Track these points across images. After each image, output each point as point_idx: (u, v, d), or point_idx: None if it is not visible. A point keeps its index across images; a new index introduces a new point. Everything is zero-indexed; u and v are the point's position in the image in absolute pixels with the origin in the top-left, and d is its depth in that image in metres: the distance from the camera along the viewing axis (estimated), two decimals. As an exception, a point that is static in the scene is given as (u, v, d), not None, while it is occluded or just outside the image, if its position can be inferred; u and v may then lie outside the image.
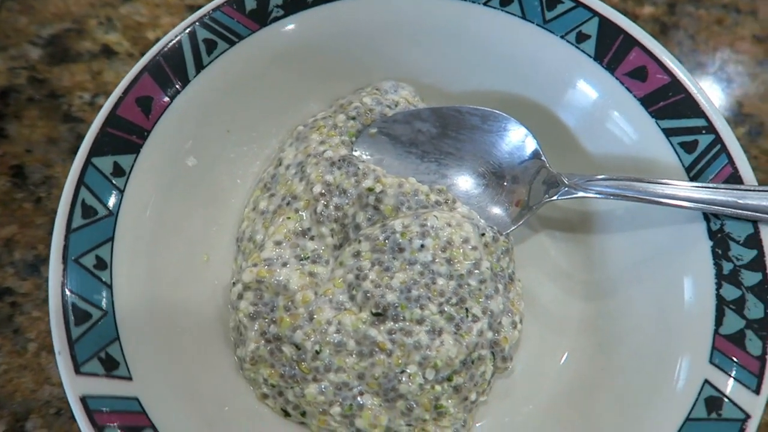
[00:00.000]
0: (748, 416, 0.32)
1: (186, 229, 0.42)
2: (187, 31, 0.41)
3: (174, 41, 0.41)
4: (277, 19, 0.44)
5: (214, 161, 0.44)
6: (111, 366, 0.34)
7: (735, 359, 0.34)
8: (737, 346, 0.34)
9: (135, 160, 0.39)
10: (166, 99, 0.40)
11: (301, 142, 0.46)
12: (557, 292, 0.45)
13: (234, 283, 0.41)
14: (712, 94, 0.55)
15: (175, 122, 0.41)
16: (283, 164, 0.46)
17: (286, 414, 0.40)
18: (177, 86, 0.41)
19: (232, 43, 0.42)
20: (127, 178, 0.38)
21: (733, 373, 0.33)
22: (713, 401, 0.33)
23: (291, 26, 0.44)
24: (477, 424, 0.41)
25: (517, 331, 0.41)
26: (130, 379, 0.34)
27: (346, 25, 0.45)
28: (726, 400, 0.33)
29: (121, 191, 0.38)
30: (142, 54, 0.43)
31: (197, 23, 0.42)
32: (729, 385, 0.33)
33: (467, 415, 0.40)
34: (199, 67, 0.42)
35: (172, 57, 0.41)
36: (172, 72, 0.41)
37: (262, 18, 0.43)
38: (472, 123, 0.45)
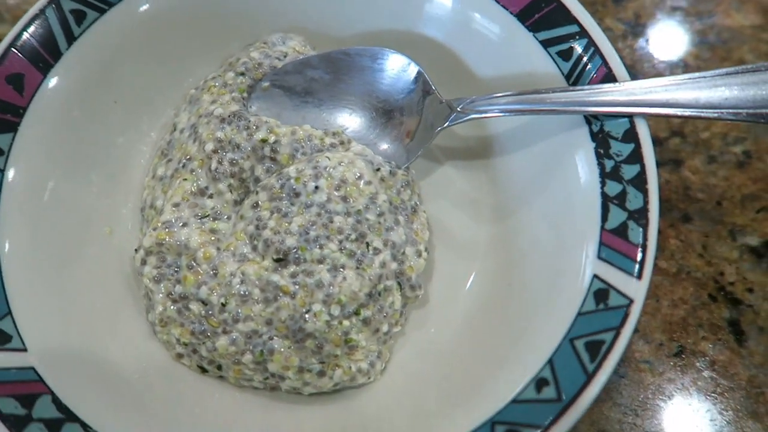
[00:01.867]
0: (631, 301, 0.33)
1: (83, 204, 0.42)
2: (51, 3, 0.41)
3: (39, 15, 0.40)
4: (148, -19, 0.43)
5: (106, 134, 0.44)
6: (3, 340, 0.34)
7: (620, 251, 0.34)
8: (621, 238, 0.35)
9: (13, 139, 0.39)
10: (39, 74, 0.40)
11: (194, 105, 0.46)
12: (465, 218, 0.45)
13: (136, 250, 0.41)
14: (607, 8, 0.56)
15: (53, 97, 0.40)
16: (177, 129, 0.45)
17: (203, 370, 0.40)
18: (49, 60, 0.40)
19: (102, 12, 0.42)
20: (6, 157, 0.38)
21: (618, 264, 0.34)
22: (601, 293, 0.34)
23: (164, -13, 0.43)
24: (400, 355, 0.42)
25: (422, 260, 0.41)
26: (24, 350, 0.34)
27: (222, -19, 0.45)
28: (611, 290, 0.33)
29: (1, 171, 0.38)
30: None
31: (61, -6, 0.41)
32: (615, 276, 0.34)
33: (382, 346, 0.40)
34: (71, 39, 0.41)
35: (39, 31, 0.40)
36: (41, 46, 0.40)
37: (130, -18, 0.42)
38: (362, 64, 0.45)
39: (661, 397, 0.42)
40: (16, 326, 0.34)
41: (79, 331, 0.38)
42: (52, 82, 0.40)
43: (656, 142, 0.50)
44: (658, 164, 0.46)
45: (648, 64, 0.53)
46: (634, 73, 0.52)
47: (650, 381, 0.42)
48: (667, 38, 0.54)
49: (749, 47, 0.53)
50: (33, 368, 0.33)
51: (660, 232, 0.45)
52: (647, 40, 0.54)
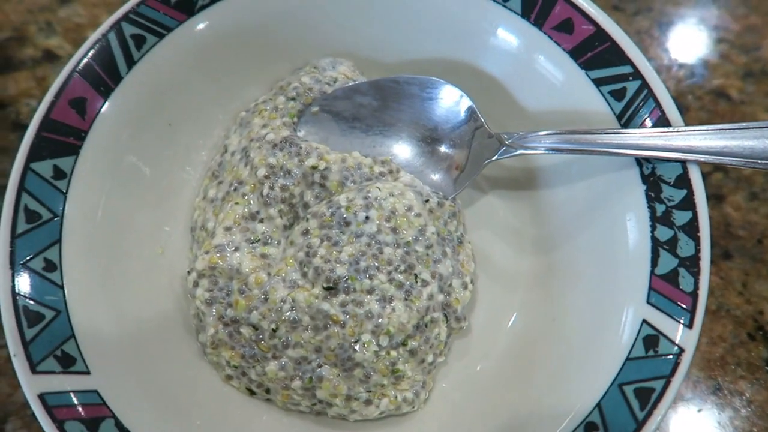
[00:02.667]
0: (682, 350, 0.33)
1: (137, 224, 0.43)
2: (113, 28, 0.41)
3: (101, 40, 0.41)
4: (204, 7, 0.44)
5: (159, 155, 0.45)
6: (67, 363, 0.35)
7: (670, 297, 0.35)
8: (671, 285, 0.35)
9: (75, 162, 0.40)
10: (100, 98, 0.41)
11: (245, 127, 0.47)
12: (508, 249, 0.46)
13: (189, 272, 0.42)
14: (653, 38, 0.56)
15: (112, 120, 0.41)
16: (228, 151, 0.46)
17: (252, 392, 0.41)
18: (110, 84, 0.41)
19: (161, 36, 0.43)
20: (69, 180, 0.39)
21: (669, 311, 0.35)
22: (650, 339, 0.34)
23: (219, 13, 0.44)
24: (442, 384, 0.43)
25: (468, 292, 0.42)
26: (88, 373, 0.35)
27: (276, 6, 0.46)
28: (662, 337, 0.34)
29: (64, 193, 0.39)
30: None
31: (123, 20, 0.42)
32: (664, 323, 0.34)
33: (426, 376, 0.41)
34: (131, 63, 0.42)
35: (101, 56, 0.41)
36: (102, 71, 0.41)
37: (188, 8, 0.43)
38: (410, 92, 0.46)
39: (697, 434, 0.43)
40: (79, 349, 0.36)
41: (133, 351, 0.39)
42: (113, 105, 0.41)
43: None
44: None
45: (692, 96, 0.53)
46: (679, 107, 0.53)
47: (686, 418, 0.43)
48: (712, 70, 0.54)
49: (794, 82, 0.53)
50: (97, 391, 0.35)
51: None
52: (692, 72, 0.54)
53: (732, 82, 0.53)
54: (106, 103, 0.41)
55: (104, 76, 0.41)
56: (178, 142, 0.46)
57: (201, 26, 0.44)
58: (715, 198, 0.49)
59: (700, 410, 0.43)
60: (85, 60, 0.41)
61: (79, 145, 0.40)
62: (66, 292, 0.37)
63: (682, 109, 0.52)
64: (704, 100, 0.53)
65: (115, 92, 0.41)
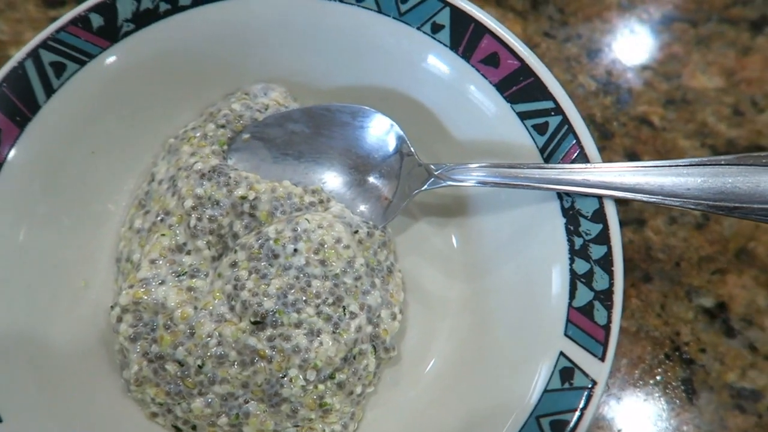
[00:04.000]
0: (594, 383, 0.35)
1: (58, 256, 0.42)
2: (30, 56, 0.40)
3: (17, 68, 0.40)
4: (128, 33, 0.43)
5: (83, 184, 0.44)
6: (-23, 411, 0.34)
7: (585, 330, 0.36)
8: (587, 317, 0.36)
9: (-12, 195, 0.38)
10: (16, 129, 0.39)
11: (173, 155, 0.46)
12: (438, 276, 0.46)
13: (112, 306, 0.41)
14: (581, 64, 0.57)
15: (30, 151, 0.40)
16: (155, 179, 0.45)
17: (178, 430, 0.40)
18: (26, 114, 0.40)
19: (82, 63, 0.41)
20: (-19, 214, 0.38)
21: (584, 344, 0.36)
22: (566, 372, 0.36)
23: (145, 39, 0.43)
24: (371, 414, 0.43)
25: (397, 322, 0.43)
26: (0, 420, 0.34)
27: (203, 32, 0.45)
28: (577, 369, 0.35)
29: (-24, 229, 0.37)
30: None
31: (41, 47, 0.40)
32: (580, 355, 0.36)
33: (355, 407, 0.41)
34: (49, 91, 0.41)
35: (17, 84, 0.40)
36: (18, 99, 0.39)
37: (111, 34, 0.42)
38: (342, 120, 0.46)
39: (617, 454, 0.44)
40: (-10, 395, 0.34)
41: (53, 391, 0.38)
42: (30, 135, 0.40)
43: (622, 201, 0.52)
44: (623, 224, 0.49)
45: (617, 122, 0.55)
46: (605, 132, 0.54)
47: (608, 438, 0.45)
48: (636, 97, 0.56)
49: (712, 109, 0.56)
50: (8, 440, 0.34)
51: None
52: (617, 99, 0.56)
53: (654, 109, 0.56)
54: (23, 133, 0.40)
55: (20, 105, 0.40)
56: (102, 171, 0.45)
57: (125, 53, 0.43)
58: (637, 222, 0.52)
59: (620, 430, 0.45)
60: (0, 89, 0.39)
61: (-7, 177, 0.38)
62: (-24, 333, 0.36)
63: (608, 135, 0.54)
64: (629, 126, 0.55)
65: (32, 122, 0.40)
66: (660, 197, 0.37)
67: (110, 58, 0.42)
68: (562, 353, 0.36)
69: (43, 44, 0.40)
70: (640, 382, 0.46)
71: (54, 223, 0.42)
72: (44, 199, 0.41)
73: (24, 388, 0.36)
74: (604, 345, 0.35)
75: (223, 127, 0.46)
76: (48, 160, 0.41)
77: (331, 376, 0.40)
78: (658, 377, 0.47)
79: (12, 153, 0.39)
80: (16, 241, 0.39)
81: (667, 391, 0.46)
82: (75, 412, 0.38)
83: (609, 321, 0.36)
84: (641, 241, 0.51)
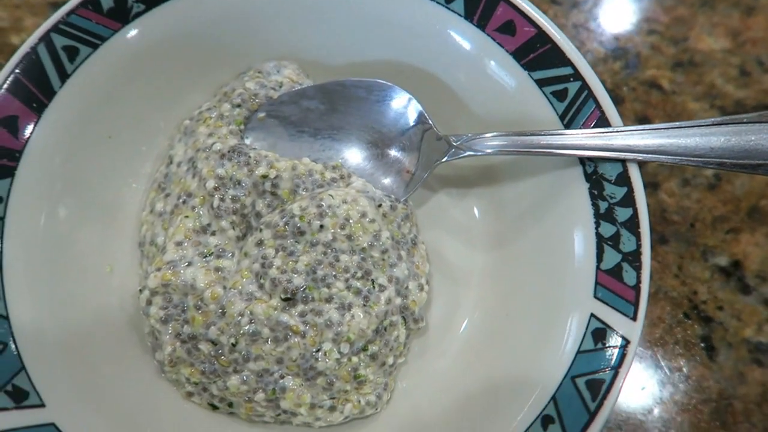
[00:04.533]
0: (627, 341, 0.35)
1: (82, 243, 0.42)
2: (43, 40, 0.39)
3: (30, 53, 0.39)
4: (139, 14, 0.42)
5: (100, 170, 0.43)
6: (20, 397, 0.34)
7: (615, 291, 0.37)
8: (616, 279, 0.37)
9: (11, 184, 0.38)
10: (33, 115, 0.39)
11: (190, 136, 0.45)
12: (461, 247, 0.47)
13: (141, 290, 0.41)
14: (589, 30, 0.57)
15: (48, 138, 0.39)
16: (174, 162, 0.45)
17: (214, 407, 0.41)
18: (43, 101, 0.39)
19: (95, 47, 0.41)
20: (6, 204, 0.37)
21: (614, 305, 0.37)
22: (599, 332, 0.36)
23: (156, 19, 0.42)
24: (403, 384, 0.43)
25: (424, 293, 0.43)
26: (42, 405, 0.34)
27: (215, 11, 0.44)
28: (609, 329, 0.36)
29: (2, 219, 0.37)
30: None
31: (52, 31, 0.40)
32: (611, 316, 0.36)
33: (387, 378, 0.42)
34: (64, 76, 0.40)
35: (31, 70, 0.39)
36: (34, 86, 0.39)
37: (122, 16, 0.41)
38: (357, 95, 0.46)
39: (641, 411, 0.45)
40: (31, 381, 0.34)
41: (88, 377, 0.38)
42: (47, 122, 0.39)
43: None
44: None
45: (627, 87, 0.56)
46: (615, 98, 0.55)
47: (631, 397, 0.46)
48: (644, 61, 0.56)
49: (719, 71, 0.56)
50: (54, 424, 0.34)
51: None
52: (626, 64, 0.56)
53: (663, 72, 0.56)
54: (41, 120, 0.39)
55: (36, 92, 0.39)
56: (119, 155, 0.44)
57: (137, 34, 0.42)
58: (651, 186, 0.52)
59: (643, 388, 0.46)
60: (13, 75, 0.38)
61: (14, 166, 0.38)
62: (11, 322, 0.35)
63: (618, 100, 0.55)
64: (638, 91, 0.55)
65: (48, 108, 0.39)
66: (684, 158, 0.38)
67: (122, 40, 0.42)
68: (593, 315, 0.37)
69: (55, 28, 0.40)
70: (661, 341, 0.47)
71: (75, 214, 0.42)
72: (63, 186, 0.41)
73: (62, 375, 0.36)
74: (635, 305, 0.36)
75: (238, 106, 0.45)
76: (66, 146, 0.40)
77: (364, 348, 0.40)
78: (678, 336, 0.48)
79: (31, 140, 0.39)
80: (37, 230, 0.39)
81: (688, 348, 0.47)
82: (111, 397, 0.38)
83: (639, 281, 0.36)
84: (656, 204, 0.52)
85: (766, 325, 0.48)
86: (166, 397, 0.41)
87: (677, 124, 0.38)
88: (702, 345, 0.48)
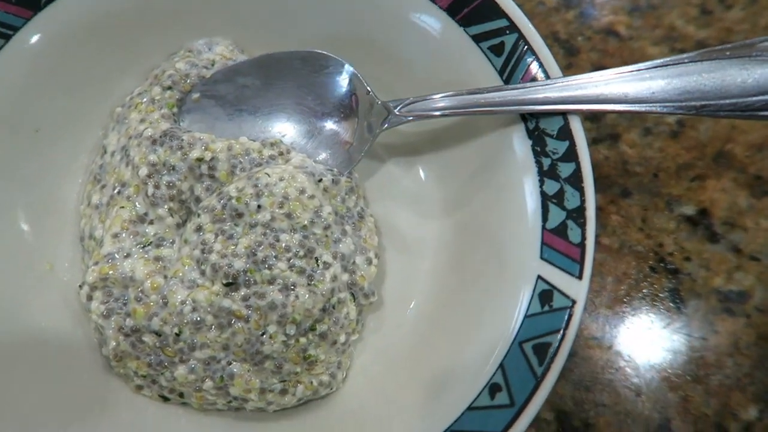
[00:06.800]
0: (574, 302, 0.34)
1: (16, 242, 0.40)
2: (-51, 35, 0.38)
3: (-62, 49, 0.37)
4: (51, 0, 0.40)
5: (31, 164, 0.42)
6: (-49, 405, 0.33)
7: (560, 251, 0.35)
8: (561, 237, 0.36)
9: (-71, 188, 0.36)
10: (-53, 114, 0.37)
11: (122, 124, 0.44)
12: (412, 217, 0.45)
13: (80, 285, 0.40)
14: (541, -19, 0.55)
15: (-33, 136, 0.38)
16: (108, 152, 0.44)
17: (165, 399, 0.40)
18: (-43, 97, 0.38)
19: (7, 38, 0.39)
20: (-75, 208, 0.36)
21: (560, 264, 0.35)
22: (545, 294, 0.35)
23: (71, 5, 0.41)
24: (359, 360, 0.42)
25: (373, 267, 0.42)
26: (-23, 412, 0.33)
27: (135, -10, 0.42)
28: (555, 291, 0.35)
29: None
30: None
31: (-42, 24, 0.38)
32: (557, 277, 0.35)
33: (341, 356, 0.41)
34: (-23, 70, 0.38)
35: (-60, 67, 0.37)
36: (-56, 83, 0.37)
37: (33, 3, 0.39)
38: (293, 66, 0.44)
39: (610, 370, 0.44)
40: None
41: (34, 376, 0.37)
42: (-36, 120, 0.38)
43: (594, 118, 0.50)
44: (597, 141, 0.47)
45: (582, 36, 0.53)
46: (570, 49, 0.52)
47: (599, 356, 0.45)
48: (599, 8, 0.54)
49: (679, 12, 0.54)
50: (-13, 430, 0.33)
51: (601, 208, 0.47)
52: (581, 12, 0.54)
53: (620, 18, 0.54)
54: (-44, 118, 0.38)
55: (-52, 89, 0.37)
56: (52, 149, 0.43)
57: (52, 21, 0.40)
58: (611, 138, 0.50)
59: (610, 347, 0.45)
60: None
61: (-69, 169, 0.37)
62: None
63: (573, 51, 0.52)
64: (594, 40, 0.53)
65: (-36, 105, 0.38)
66: (625, 105, 0.36)
67: (36, 29, 0.40)
68: (539, 277, 0.36)
69: (-38, 21, 0.38)
70: (627, 298, 0.46)
71: (6, 209, 0.40)
72: (-7, 185, 0.39)
73: (6, 381, 0.36)
74: (581, 263, 0.34)
75: (169, 88, 0.44)
76: (-11, 144, 0.39)
77: (312, 328, 0.39)
78: (644, 291, 0.46)
79: (-52, 140, 0.37)
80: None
81: (655, 303, 0.46)
82: (59, 397, 0.38)
83: (583, 238, 0.35)
84: (617, 156, 0.50)
85: (736, 273, 0.47)
86: (117, 392, 0.40)
87: (615, 70, 0.36)
88: (670, 298, 0.46)
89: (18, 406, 0.36)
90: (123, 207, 0.41)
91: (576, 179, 0.36)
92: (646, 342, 0.45)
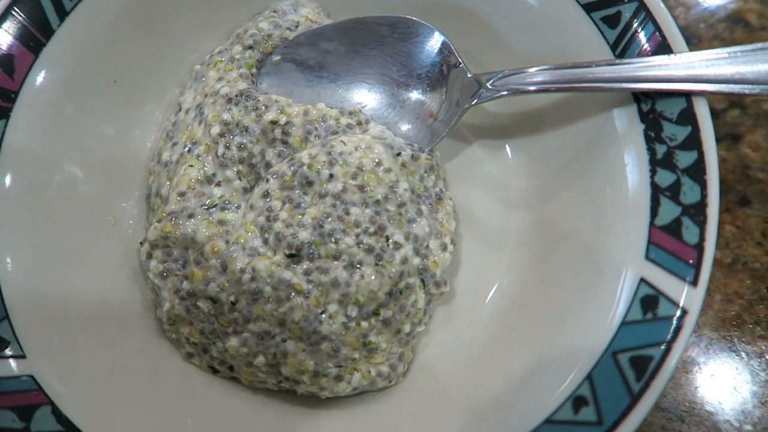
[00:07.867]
0: (685, 312, 0.29)
1: (83, 192, 0.39)
2: (39, -25, 0.37)
3: (26, -12, 0.37)
4: (143, -53, 0.39)
5: (105, 116, 0.41)
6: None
7: (671, 252, 0.30)
8: (674, 237, 0.30)
9: (6, 126, 0.36)
10: (30, 55, 0.37)
11: (199, 82, 0.42)
12: (494, 205, 0.41)
13: (141, 243, 0.38)
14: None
15: (46, 79, 0.37)
16: (182, 109, 0.42)
17: (215, 371, 0.38)
18: (40, 39, 0.37)
19: (96, -18, 0.38)
20: (0, 145, 0.35)
21: (670, 267, 0.30)
22: (649, 300, 0.30)
23: (161, -47, 0.39)
24: (423, 355, 0.39)
25: (448, 254, 0.38)
26: (23, 357, 0.32)
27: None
28: (662, 297, 0.29)
29: (-6, 161, 0.35)
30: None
31: (49, -36, 0.37)
32: (665, 281, 0.30)
33: (404, 348, 0.37)
34: (62, 14, 0.38)
35: (27, 7, 0.37)
36: (30, 23, 0.37)
37: (124, -50, 0.39)
38: (380, 33, 0.41)
39: (710, 402, 0.38)
40: (13, 330, 0.32)
41: (83, 331, 0.36)
42: (45, 62, 0.37)
43: (712, 114, 0.44)
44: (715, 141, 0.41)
45: (704, 24, 0.47)
46: (689, 37, 0.47)
47: (698, 384, 0.39)
48: (728, -6, 0.48)
49: (823, 2, 0.47)
50: (32, 376, 0.32)
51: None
52: (704, -3, 0.48)
53: (750, 5, 0.47)
54: (38, 59, 0.37)
55: (33, 30, 0.37)
56: (126, 101, 0.42)
57: (141, -30, 0.39)
58: (731, 138, 0.44)
59: (713, 375, 0.39)
60: (8, 12, 0.36)
61: (9, 107, 0.36)
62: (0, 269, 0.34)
63: (693, 40, 0.47)
64: (718, 28, 0.47)
65: (46, 47, 0.37)
66: (766, 86, 0.30)
67: (125, -24, 0.39)
68: (643, 279, 0.31)
69: (53, -39, 0.37)
70: (737, 321, 0.40)
71: (77, 161, 0.39)
72: (63, 131, 0.39)
73: (51, 327, 0.34)
74: (697, 267, 0.29)
75: (250, 48, 0.42)
76: (66, 89, 0.38)
77: (375, 313, 0.36)
78: (760, 315, 0.40)
79: (27, 81, 0.37)
80: (36, 175, 0.37)
81: (771, 330, 0.40)
82: (107, 354, 0.36)
83: (702, 239, 0.30)
84: (736, 158, 0.43)
85: None
86: (166, 358, 0.38)
87: (757, 45, 0.31)
88: (790, 326, 0.40)
89: (56, 358, 0.34)
90: (192, 165, 0.39)
91: (697, 171, 0.31)
92: (757, 374, 0.39)
